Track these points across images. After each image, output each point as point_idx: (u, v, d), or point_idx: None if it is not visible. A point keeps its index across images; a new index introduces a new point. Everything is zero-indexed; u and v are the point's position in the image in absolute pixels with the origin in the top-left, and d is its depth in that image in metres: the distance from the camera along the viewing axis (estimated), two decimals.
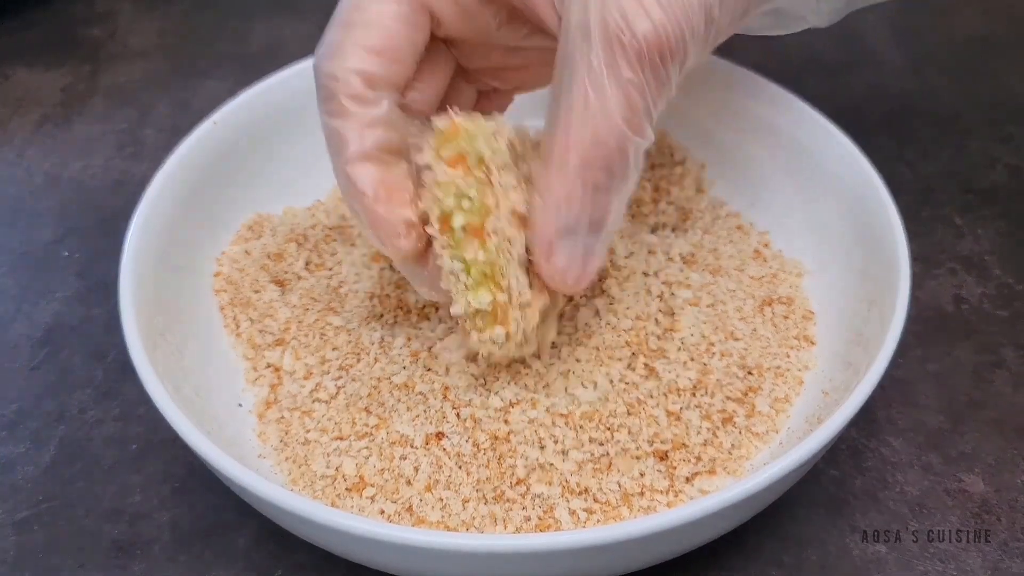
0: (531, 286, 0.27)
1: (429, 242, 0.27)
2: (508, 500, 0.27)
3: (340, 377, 0.31)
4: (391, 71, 0.26)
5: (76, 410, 0.34)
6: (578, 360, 0.30)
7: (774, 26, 0.30)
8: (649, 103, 0.24)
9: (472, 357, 0.30)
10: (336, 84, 0.26)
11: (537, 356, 0.30)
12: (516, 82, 0.32)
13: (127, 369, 0.35)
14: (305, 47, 0.48)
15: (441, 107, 0.29)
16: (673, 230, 0.36)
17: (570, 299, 0.32)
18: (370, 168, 0.26)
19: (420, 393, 0.29)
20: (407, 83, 0.27)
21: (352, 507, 0.27)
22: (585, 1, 0.23)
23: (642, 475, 0.28)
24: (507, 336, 0.27)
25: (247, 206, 0.37)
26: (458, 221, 0.25)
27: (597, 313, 0.31)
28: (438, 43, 0.29)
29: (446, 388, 0.29)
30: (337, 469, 0.28)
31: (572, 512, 0.27)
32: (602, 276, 0.32)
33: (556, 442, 0.28)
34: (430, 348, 0.31)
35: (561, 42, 0.24)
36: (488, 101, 0.33)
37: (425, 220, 0.26)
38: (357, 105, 0.26)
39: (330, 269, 0.35)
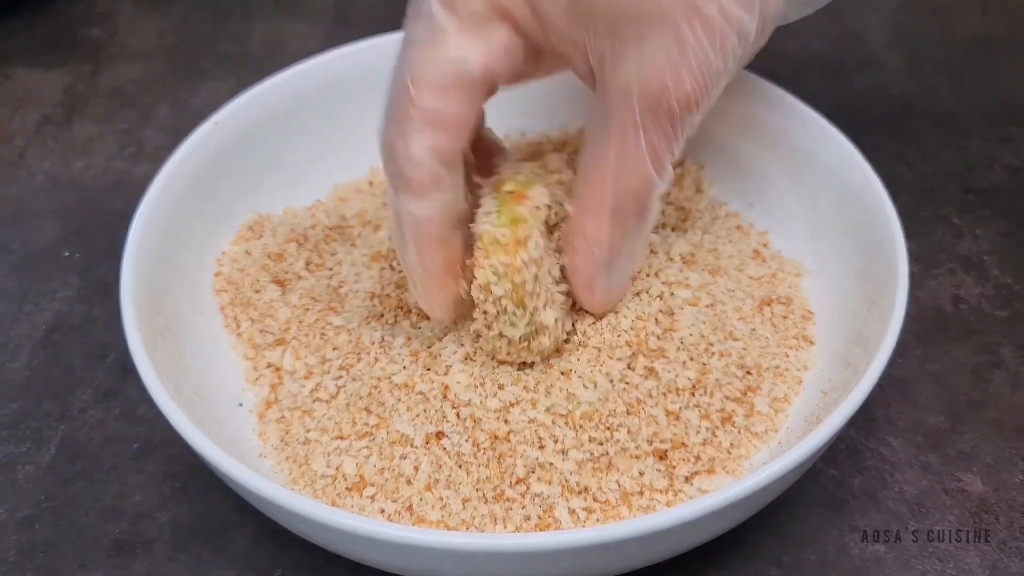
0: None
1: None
2: (508, 499, 0.27)
3: (340, 377, 0.31)
4: (460, 145, 0.27)
5: (76, 410, 0.34)
6: (578, 360, 0.30)
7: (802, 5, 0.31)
8: (674, 149, 0.27)
9: (472, 356, 0.30)
10: (412, 166, 0.26)
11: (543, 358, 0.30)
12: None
13: (127, 369, 0.35)
14: (305, 47, 0.48)
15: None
16: (673, 230, 0.36)
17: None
18: (423, 136, 0.26)
19: (420, 393, 0.30)
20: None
21: (352, 506, 0.27)
22: (628, 68, 0.26)
23: (641, 474, 0.28)
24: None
25: (247, 206, 0.37)
26: (498, 293, 0.28)
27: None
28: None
29: (446, 388, 0.29)
30: (337, 468, 0.28)
31: (572, 511, 0.27)
32: None
33: (556, 442, 0.28)
34: (430, 348, 0.31)
35: (600, 102, 0.27)
36: None
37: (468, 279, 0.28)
38: (434, 189, 0.27)
39: (330, 269, 0.35)
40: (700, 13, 0.25)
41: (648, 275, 0.33)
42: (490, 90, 0.28)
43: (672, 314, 0.31)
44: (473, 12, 0.26)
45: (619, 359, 0.30)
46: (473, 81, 0.26)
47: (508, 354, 0.29)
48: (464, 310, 0.30)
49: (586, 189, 0.28)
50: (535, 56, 0.28)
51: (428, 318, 0.32)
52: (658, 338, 0.31)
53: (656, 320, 0.31)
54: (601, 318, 0.31)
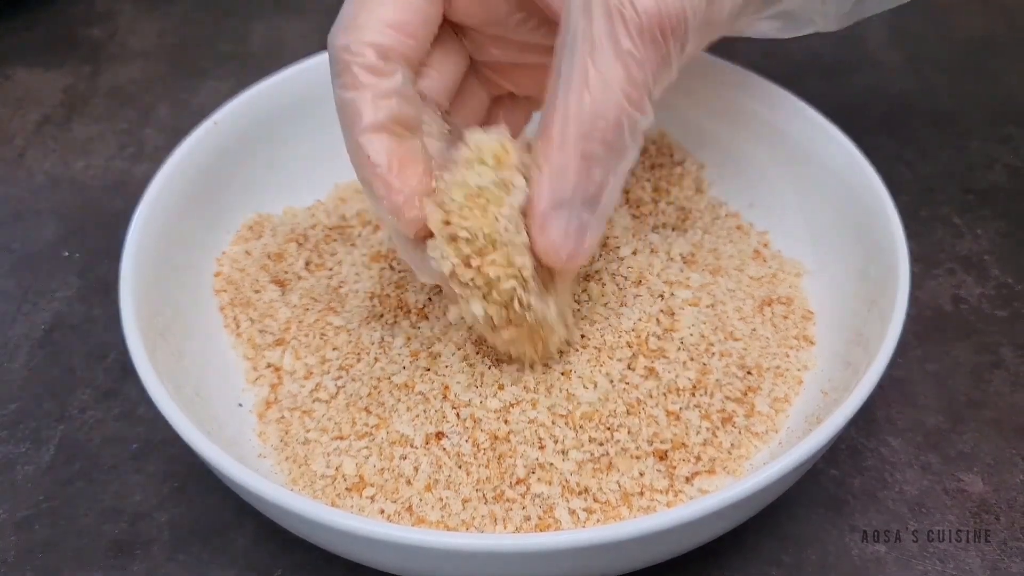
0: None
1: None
2: (508, 500, 0.27)
3: (340, 377, 0.31)
4: (406, 45, 0.26)
5: (76, 410, 0.34)
6: (578, 360, 0.30)
7: (782, 29, 0.30)
8: (648, 78, 0.24)
9: (472, 356, 0.30)
10: (350, 57, 0.26)
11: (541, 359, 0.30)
12: (529, 86, 0.32)
13: (127, 369, 0.35)
14: (305, 47, 0.48)
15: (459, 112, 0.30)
16: (673, 230, 0.36)
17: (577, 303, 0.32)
18: (384, 139, 0.26)
19: (420, 393, 0.29)
20: (421, 62, 0.27)
21: (352, 507, 0.27)
22: None
23: (642, 475, 0.28)
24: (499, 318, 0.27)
25: (247, 206, 0.37)
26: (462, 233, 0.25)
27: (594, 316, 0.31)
28: (450, 32, 0.29)
29: (446, 388, 0.29)
30: (337, 469, 0.28)
31: (572, 512, 0.27)
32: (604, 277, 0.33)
33: (556, 442, 0.28)
34: (430, 348, 0.31)
35: (563, 19, 0.24)
36: (502, 109, 0.33)
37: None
38: (371, 76, 0.26)
39: (330, 269, 0.35)
40: None
41: (649, 275, 0.33)
42: (451, 7, 0.27)
43: (672, 314, 0.31)
44: None
45: (619, 359, 0.30)
46: None
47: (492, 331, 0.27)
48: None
49: (548, 113, 0.24)
50: None
51: (428, 318, 0.32)
52: (658, 338, 0.31)
53: (656, 320, 0.31)
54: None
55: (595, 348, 0.30)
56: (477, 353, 0.30)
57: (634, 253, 0.34)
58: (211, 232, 0.35)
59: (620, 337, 0.31)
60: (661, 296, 0.32)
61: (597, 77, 0.23)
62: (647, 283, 0.32)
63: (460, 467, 0.28)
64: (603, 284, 0.32)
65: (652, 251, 0.34)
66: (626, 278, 0.32)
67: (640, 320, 0.31)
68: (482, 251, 0.25)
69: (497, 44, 0.30)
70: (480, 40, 0.30)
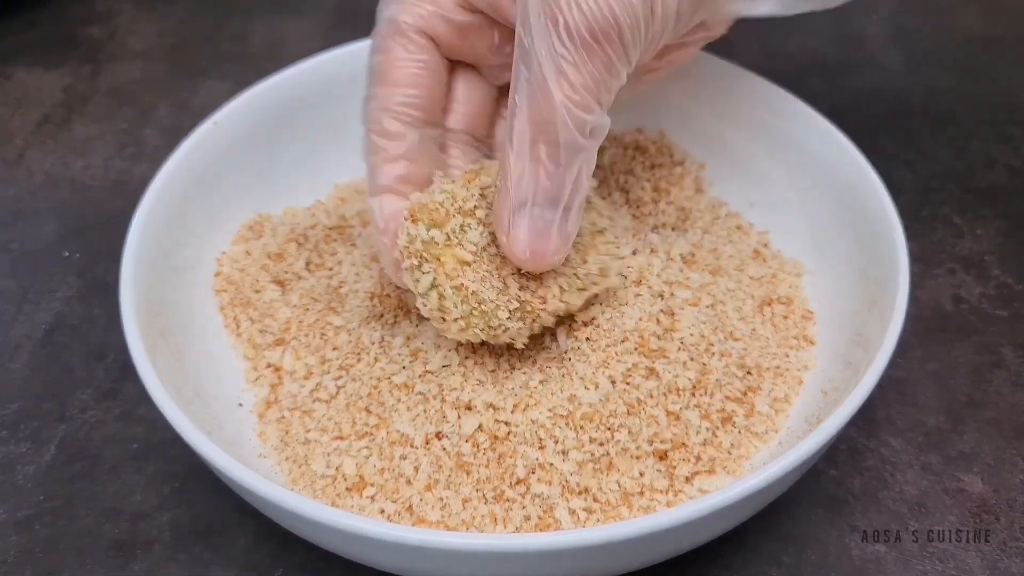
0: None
1: None
2: (508, 500, 0.27)
3: (340, 377, 0.31)
4: (415, 99, 0.29)
5: (76, 410, 0.34)
6: (579, 361, 0.30)
7: (788, 6, 0.30)
8: (589, 81, 0.25)
9: (472, 356, 0.30)
10: (369, 124, 0.29)
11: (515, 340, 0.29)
12: None
13: (127, 369, 0.35)
14: (305, 47, 0.48)
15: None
16: (673, 230, 0.36)
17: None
18: (389, 199, 0.29)
19: (420, 393, 0.29)
20: (441, 106, 0.31)
21: (352, 507, 0.27)
22: None
23: (642, 475, 0.28)
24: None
25: (247, 206, 0.37)
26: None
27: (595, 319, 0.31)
28: (469, 66, 0.31)
29: (445, 388, 0.29)
30: (337, 469, 0.28)
31: (572, 512, 0.27)
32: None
33: (556, 442, 0.28)
34: (430, 348, 0.31)
35: (516, 35, 0.26)
36: None
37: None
38: (384, 140, 0.29)
39: (330, 269, 0.35)
40: None
41: (648, 275, 0.33)
42: (442, 48, 0.30)
43: (672, 314, 0.31)
44: None
45: (620, 360, 0.30)
46: (404, 30, 0.29)
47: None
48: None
49: (507, 123, 0.26)
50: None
51: (428, 318, 0.32)
52: (659, 338, 0.31)
53: (657, 320, 0.31)
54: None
55: (596, 348, 0.30)
56: (477, 353, 0.30)
57: (634, 253, 0.34)
58: (211, 232, 0.35)
59: (621, 337, 0.31)
60: (661, 296, 0.32)
61: (535, 82, 0.25)
62: (647, 283, 0.32)
63: (460, 467, 0.28)
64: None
65: (652, 251, 0.34)
66: (626, 278, 0.32)
67: (640, 320, 0.31)
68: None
69: (505, 69, 0.31)
70: (490, 69, 0.32)
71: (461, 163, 0.31)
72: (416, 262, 0.28)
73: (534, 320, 0.28)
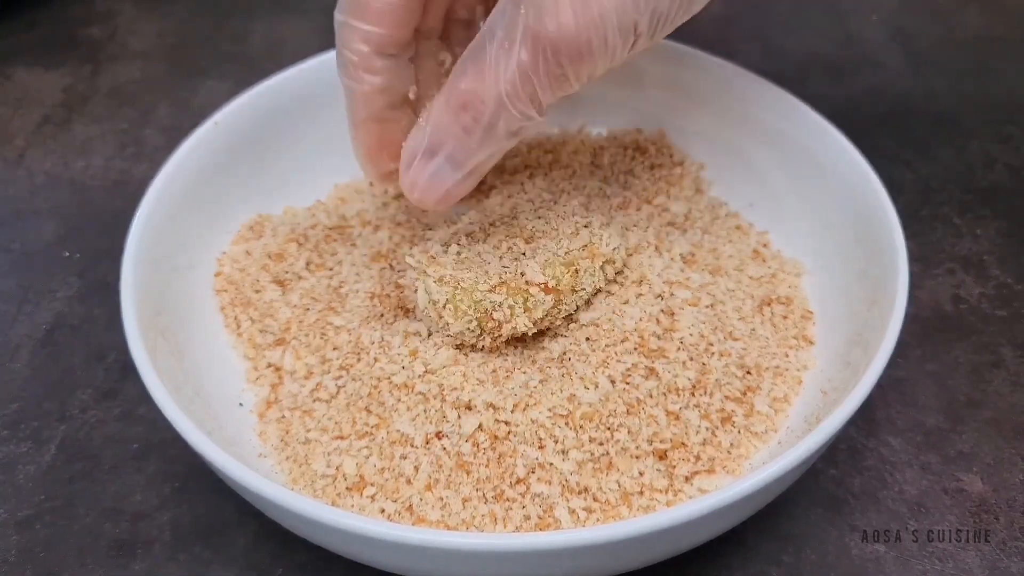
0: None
1: None
2: (508, 499, 0.27)
3: (340, 377, 0.31)
4: (393, 35, 0.30)
5: (77, 410, 0.34)
6: (579, 361, 0.30)
7: None
8: (536, 89, 0.26)
9: (472, 356, 0.30)
10: (349, 55, 0.30)
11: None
12: None
13: (127, 369, 0.35)
14: (305, 47, 0.48)
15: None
16: (673, 228, 0.36)
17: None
18: (372, 127, 0.31)
19: (420, 393, 0.29)
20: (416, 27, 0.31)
21: (352, 506, 0.27)
22: None
23: (641, 474, 0.28)
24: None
25: (247, 206, 0.37)
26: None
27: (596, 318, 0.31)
28: None
29: (445, 388, 0.29)
30: (337, 468, 0.28)
31: (572, 511, 0.27)
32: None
33: (556, 442, 0.28)
34: (429, 348, 0.31)
35: (495, 8, 0.26)
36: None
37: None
38: (366, 74, 0.30)
39: (330, 269, 0.35)
40: None
41: (648, 275, 0.33)
42: None
43: (672, 314, 0.31)
44: None
45: (620, 360, 0.30)
46: None
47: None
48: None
49: (451, 79, 0.27)
50: None
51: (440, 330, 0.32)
52: (658, 338, 0.31)
53: (656, 320, 0.31)
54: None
55: (596, 349, 0.30)
56: (478, 353, 0.30)
57: (630, 255, 0.34)
58: (211, 232, 0.35)
59: (621, 337, 0.31)
60: (661, 296, 0.32)
61: (491, 68, 0.26)
62: (647, 283, 0.32)
63: (460, 467, 0.28)
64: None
65: (656, 249, 0.34)
66: (627, 277, 0.33)
67: (640, 320, 0.31)
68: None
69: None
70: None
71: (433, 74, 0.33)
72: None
73: (527, 299, 0.29)
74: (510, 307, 0.29)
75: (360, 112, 0.31)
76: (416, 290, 0.30)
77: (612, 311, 0.31)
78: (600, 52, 0.25)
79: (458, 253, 0.31)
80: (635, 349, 0.30)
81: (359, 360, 0.31)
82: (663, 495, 0.28)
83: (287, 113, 0.37)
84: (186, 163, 0.34)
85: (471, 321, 0.29)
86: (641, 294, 0.32)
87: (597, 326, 0.31)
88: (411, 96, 0.32)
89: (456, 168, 0.29)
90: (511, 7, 0.25)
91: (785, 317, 0.33)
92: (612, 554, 0.24)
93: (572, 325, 0.31)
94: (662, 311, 0.31)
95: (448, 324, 0.30)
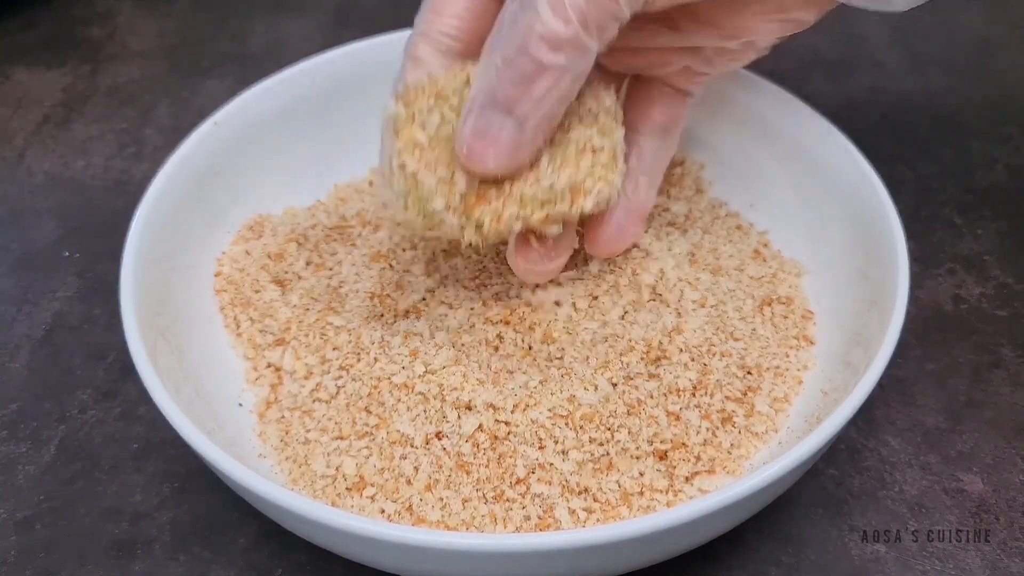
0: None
1: None
2: (508, 500, 0.27)
3: (340, 377, 0.31)
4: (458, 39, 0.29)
5: (76, 410, 0.34)
6: (579, 361, 0.30)
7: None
8: (600, 22, 0.25)
9: (472, 356, 0.30)
10: (406, 48, 0.29)
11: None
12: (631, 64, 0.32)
13: (127, 369, 0.35)
14: (305, 47, 0.48)
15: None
16: (672, 226, 0.36)
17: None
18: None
19: (420, 393, 0.30)
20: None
21: (352, 506, 0.27)
22: None
23: (642, 475, 0.28)
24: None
25: (247, 206, 0.37)
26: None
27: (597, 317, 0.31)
28: None
29: (445, 388, 0.29)
30: (337, 469, 0.28)
31: (572, 512, 0.27)
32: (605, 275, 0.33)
33: (556, 442, 0.28)
34: (430, 348, 0.31)
35: None
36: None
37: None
38: (411, 64, 0.29)
39: (330, 269, 0.35)
40: None
41: (660, 278, 0.33)
42: None
43: (680, 316, 0.31)
44: None
45: (620, 361, 0.30)
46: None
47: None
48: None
49: (508, 26, 0.26)
50: None
51: (428, 318, 0.32)
52: (660, 339, 0.31)
53: (663, 327, 0.31)
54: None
55: (595, 348, 0.30)
56: (477, 353, 0.30)
57: (634, 253, 0.34)
58: (211, 232, 0.35)
59: (621, 338, 0.31)
60: (668, 304, 0.32)
61: (526, 8, 0.25)
62: (648, 283, 0.32)
63: (460, 467, 0.28)
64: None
65: (652, 251, 0.34)
66: (627, 277, 0.33)
67: (649, 328, 0.31)
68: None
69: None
70: None
71: None
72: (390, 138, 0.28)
73: (478, 226, 0.27)
74: (454, 226, 0.27)
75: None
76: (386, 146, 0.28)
77: (612, 311, 0.31)
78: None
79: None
80: (636, 350, 0.30)
81: (359, 360, 0.31)
82: (663, 495, 0.28)
83: (287, 113, 0.37)
84: (186, 163, 0.34)
85: (417, 220, 0.28)
86: (654, 299, 0.32)
87: (598, 327, 0.31)
88: None
89: (501, 112, 0.26)
90: None
91: (785, 317, 0.33)
92: (612, 554, 0.24)
93: (579, 330, 0.31)
94: (663, 312, 0.31)
95: (402, 214, 0.28)
